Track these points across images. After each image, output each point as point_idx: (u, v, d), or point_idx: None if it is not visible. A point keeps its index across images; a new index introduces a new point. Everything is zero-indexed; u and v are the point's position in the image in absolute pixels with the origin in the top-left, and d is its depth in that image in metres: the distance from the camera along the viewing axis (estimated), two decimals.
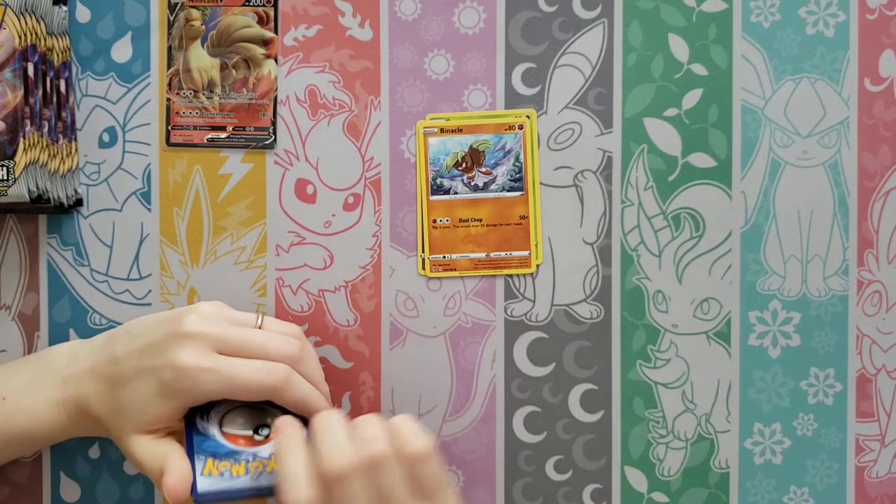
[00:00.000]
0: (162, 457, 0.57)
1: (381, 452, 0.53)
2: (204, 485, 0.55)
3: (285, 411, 0.59)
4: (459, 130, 0.66)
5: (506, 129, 0.66)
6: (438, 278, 0.67)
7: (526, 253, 0.66)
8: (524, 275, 0.67)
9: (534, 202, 0.66)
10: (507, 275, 0.67)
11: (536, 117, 0.66)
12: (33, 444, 0.61)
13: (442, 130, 0.66)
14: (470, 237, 0.66)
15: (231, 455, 0.57)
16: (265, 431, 0.58)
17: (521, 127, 0.66)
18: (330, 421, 0.55)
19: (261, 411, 0.59)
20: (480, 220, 0.66)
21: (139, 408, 0.57)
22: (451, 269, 0.66)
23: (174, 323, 0.57)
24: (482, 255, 0.66)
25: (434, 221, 0.66)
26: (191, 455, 0.57)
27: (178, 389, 0.56)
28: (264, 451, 0.58)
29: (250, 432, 0.58)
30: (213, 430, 0.58)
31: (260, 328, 0.60)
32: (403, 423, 0.54)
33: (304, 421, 0.59)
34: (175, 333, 0.57)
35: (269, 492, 0.56)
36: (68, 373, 0.60)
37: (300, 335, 0.61)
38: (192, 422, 0.58)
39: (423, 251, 0.67)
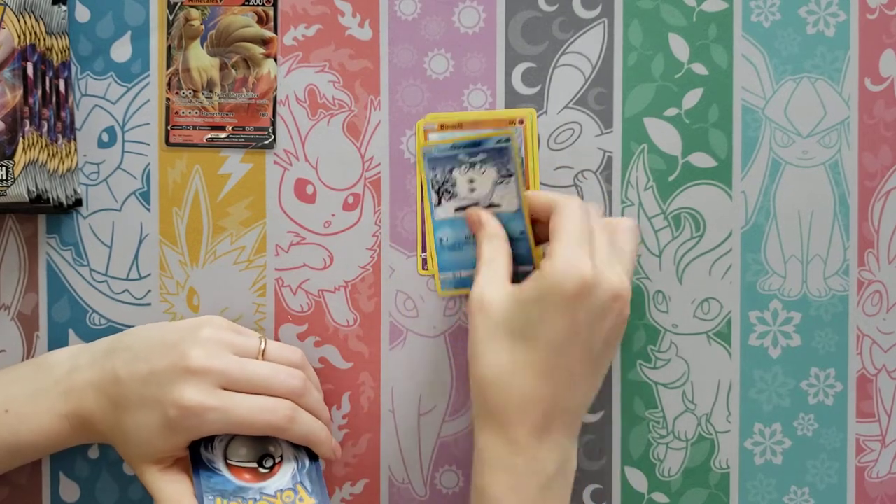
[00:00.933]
0: (171, 501, 0.57)
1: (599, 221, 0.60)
2: None
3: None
4: (459, 126, 0.66)
5: (507, 124, 0.66)
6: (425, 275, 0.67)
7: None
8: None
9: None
10: None
11: (536, 117, 0.66)
12: (36, 454, 0.61)
13: (442, 126, 0.66)
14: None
15: (239, 493, 0.58)
16: (269, 463, 0.59)
17: (521, 121, 0.66)
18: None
19: (264, 439, 0.60)
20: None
21: (145, 439, 0.58)
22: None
23: (178, 355, 0.57)
24: None
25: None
26: (199, 495, 0.57)
27: (183, 427, 0.57)
28: (270, 487, 0.58)
29: (255, 464, 0.59)
30: (219, 464, 0.59)
31: (263, 353, 0.60)
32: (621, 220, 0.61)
33: (307, 450, 0.61)
34: (179, 368, 0.57)
35: None
36: (70, 384, 0.60)
37: (303, 362, 0.62)
38: (197, 452, 0.59)
39: (425, 251, 0.67)
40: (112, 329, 0.66)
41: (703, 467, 0.67)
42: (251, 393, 0.58)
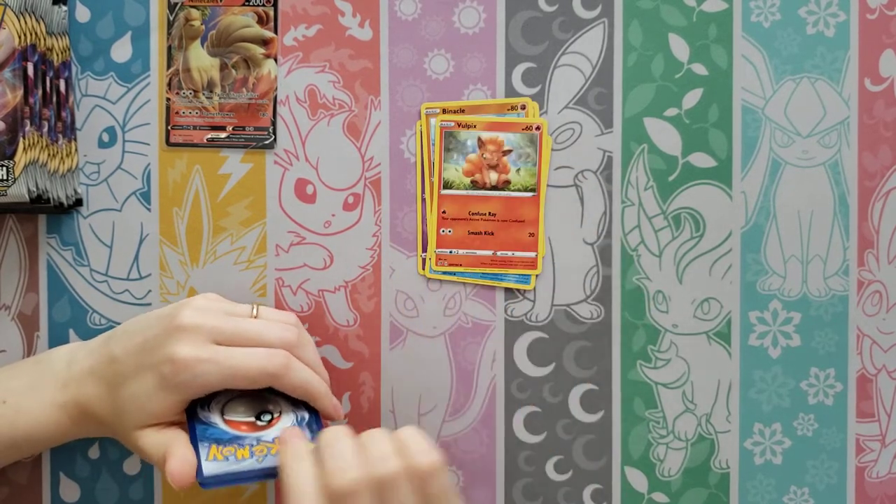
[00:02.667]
0: (165, 444, 0.57)
1: (391, 469, 0.52)
2: (210, 468, 0.55)
3: (286, 398, 0.59)
4: (462, 111, 0.66)
5: (508, 109, 0.66)
6: (438, 280, 0.67)
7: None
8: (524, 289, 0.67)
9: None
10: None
11: (538, 111, 0.66)
12: (35, 447, 0.61)
13: (444, 111, 0.66)
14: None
15: (235, 440, 0.57)
16: (267, 417, 0.59)
17: (523, 107, 0.66)
18: (337, 435, 0.54)
19: (261, 399, 0.60)
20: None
21: (141, 404, 0.57)
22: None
23: (170, 318, 0.57)
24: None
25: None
26: (194, 443, 0.57)
27: (177, 382, 0.56)
28: (268, 435, 0.58)
29: (252, 419, 0.59)
30: (216, 419, 0.58)
31: (255, 318, 0.60)
32: (412, 437, 0.54)
33: (306, 406, 0.60)
34: (171, 328, 0.57)
35: (275, 473, 0.56)
36: (68, 375, 0.60)
37: (297, 322, 0.61)
38: (194, 413, 0.58)
39: (425, 251, 0.67)
40: (112, 328, 0.66)
41: (702, 467, 0.67)
42: (245, 346, 0.58)
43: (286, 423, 0.59)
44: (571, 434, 0.67)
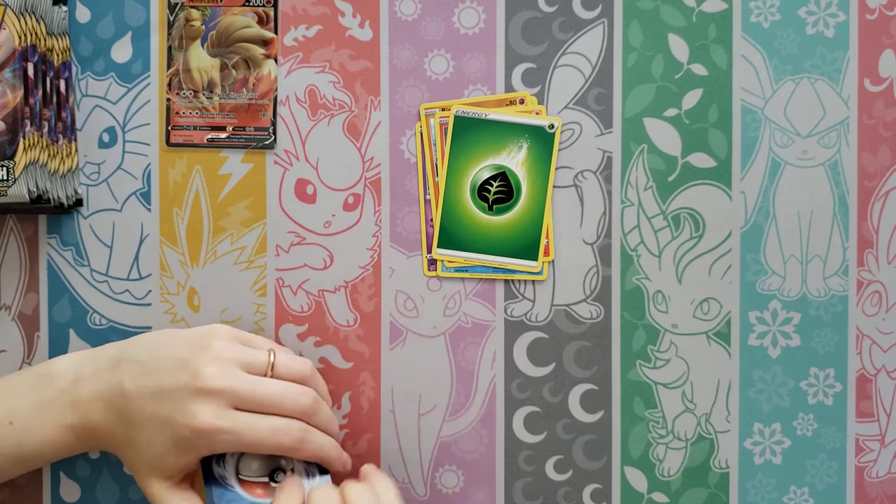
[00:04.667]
0: None
1: None
2: None
3: None
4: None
5: (507, 104, 0.66)
6: (438, 278, 0.67)
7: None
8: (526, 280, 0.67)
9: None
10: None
11: (545, 111, 0.66)
12: (41, 463, 0.61)
13: (443, 111, 0.66)
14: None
15: None
16: (280, 477, 0.60)
17: (522, 101, 0.66)
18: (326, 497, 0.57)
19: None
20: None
21: (156, 456, 0.58)
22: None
23: (190, 375, 0.57)
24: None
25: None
26: None
27: (194, 447, 0.57)
28: None
29: (267, 479, 0.60)
30: (231, 480, 0.59)
31: (272, 369, 0.60)
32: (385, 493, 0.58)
33: (318, 464, 0.61)
34: (191, 389, 0.57)
35: None
36: (76, 396, 0.59)
37: (313, 374, 0.62)
38: (209, 467, 0.59)
39: (430, 252, 0.67)
40: (113, 329, 0.66)
41: (702, 467, 0.67)
42: (262, 412, 0.58)
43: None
44: (571, 434, 0.67)
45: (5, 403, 0.60)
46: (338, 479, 0.66)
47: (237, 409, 0.58)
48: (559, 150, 0.66)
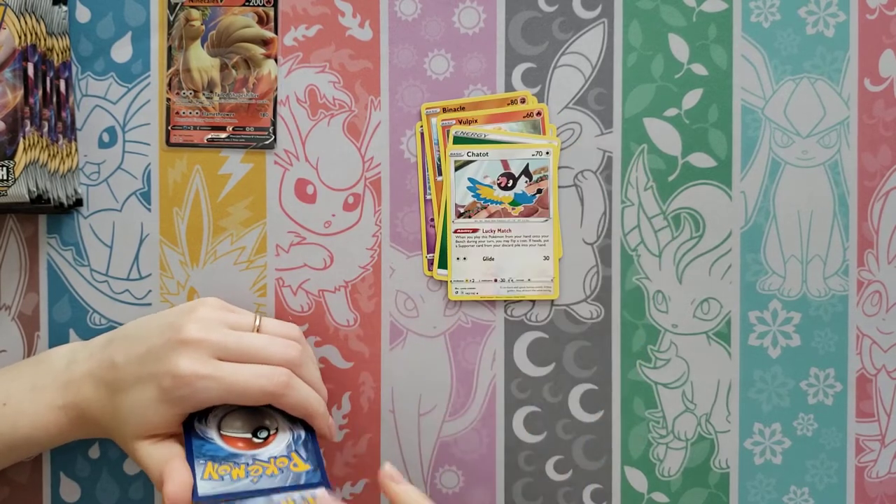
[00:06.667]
0: (163, 463, 0.57)
1: None
2: (204, 488, 0.55)
3: (283, 414, 0.59)
4: (462, 109, 0.66)
5: (508, 104, 0.66)
6: (438, 280, 0.67)
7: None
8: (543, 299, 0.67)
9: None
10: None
11: (547, 111, 0.66)
12: (35, 449, 0.61)
13: (444, 111, 0.66)
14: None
15: (230, 458, 0.57)
16: (263, 434, 0.59)
17: (523, 101, 0.66)
18: None
19: (259, 413, 0.59)
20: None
21: (140, 414, 0.57)
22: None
23: (173, 330, 0.57)
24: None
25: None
26: (190, 460, 0.57)
27: (177, 397, 0.56)
28: (263, 454, 0.58)
29: (249, 435, 0.59)
30: (212, 434, 0.58)
31: (258, 330, 0.60)
32: None
33: (303, 423, 0.60)
34: (174, 341, 0.57)
35: (268, 494, 0.56)
36: (68, 377, 0.60)
37: (300, 336, 0.61)
38: (191, 426, 0.58)
39: (431, 251, 0.67)
40: (112, 329, 0.66)
41: (702, 467, 0.67)
42: (247, 363, 0.58)
43: (282, 441, 0.59)
44: (571, 434, 0.67)
45: (3, 386, 0.60)
46: (329, 466, 0.66)
47: (221, 360, 0.57)
48: (561, 149, 0.66)
